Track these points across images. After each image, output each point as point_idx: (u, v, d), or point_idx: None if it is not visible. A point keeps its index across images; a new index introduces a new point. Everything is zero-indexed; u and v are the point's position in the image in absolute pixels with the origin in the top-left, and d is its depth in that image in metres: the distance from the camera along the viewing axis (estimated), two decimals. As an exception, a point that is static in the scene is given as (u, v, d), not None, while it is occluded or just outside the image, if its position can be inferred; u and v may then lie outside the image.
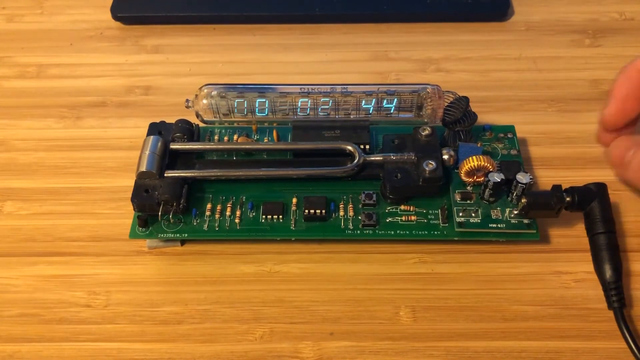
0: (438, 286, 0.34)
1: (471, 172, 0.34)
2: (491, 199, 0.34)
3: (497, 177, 0.33)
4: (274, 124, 0.38)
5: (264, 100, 0.36)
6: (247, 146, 0.37)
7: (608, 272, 0.32)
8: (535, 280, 0.34)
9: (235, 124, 0.38)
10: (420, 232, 0.34)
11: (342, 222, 0.35)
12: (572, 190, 0.33)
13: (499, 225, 0.34)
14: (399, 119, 0.37)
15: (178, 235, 0.34)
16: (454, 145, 0.36)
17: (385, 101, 0.36)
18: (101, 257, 0.35)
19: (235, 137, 0.38)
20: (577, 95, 0.43)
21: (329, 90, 0.36)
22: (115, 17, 0.49)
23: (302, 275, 0.34)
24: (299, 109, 0.37)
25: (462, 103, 0.36)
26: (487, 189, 0.34)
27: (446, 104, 0.36)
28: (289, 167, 0.36)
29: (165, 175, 0.35)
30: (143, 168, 0.34)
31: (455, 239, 0.34)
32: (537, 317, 0.33)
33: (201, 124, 0.38)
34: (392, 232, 0.34)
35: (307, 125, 0.37)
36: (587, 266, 0.34)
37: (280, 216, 0.35)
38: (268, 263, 0.35)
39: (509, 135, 0.38)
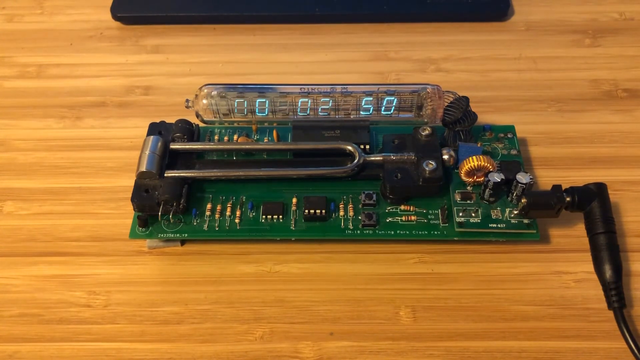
0: (438, 286, 0.34)
1: (471, 172, 0.34)
2: (491, 199, 0.34)
3: (497, 177, 0.33)
4: (274, 124, 0.38)
5: (264, 100, 0.36)
6: (247, 146, 0.37)
7: (608, 272, 0.32)
8: (535, 280, 0.34)
9: (235, 124, 0.38)
10: (420, 232, 0.34)
11: (342, 222, 0.35)
12: (572, 190, 0.33)
13: (499, 225, 0.34)
14: (399, 119, 0.37)
15: (178, 235, 0.34)
16: (454, 145, 0.36)
17: (385, 101, 0.36)
18: (101, 257, 0.35)
19: (235, 137, 0.38)
20: (577, 95, 0.43)
21: (329, 90, 0.36)
22: (115, 17, 0.49)
23: (302, 275, 0.34)
24: (299, 109, 0.37)
25: (462, 103, 0.36)
26: (487, 189, 0.34)
27: (446, 104, 0.36)
28: (289, 167, 0.36)
29: (165, 175, 0.35)
30: (143, 168, 0.34)
31: (455, 239, 0.34)
32: (537, 317, 0.33)
33: (201, 124, 0.38)
34: (392, 232, 0.34)
35: (307, 125, 0.37)
36: (587, 266, 0.34)
37: (280, 216, 0.35)
38: (268, 263, 0.35)
39: (509, 135, 0.38)
